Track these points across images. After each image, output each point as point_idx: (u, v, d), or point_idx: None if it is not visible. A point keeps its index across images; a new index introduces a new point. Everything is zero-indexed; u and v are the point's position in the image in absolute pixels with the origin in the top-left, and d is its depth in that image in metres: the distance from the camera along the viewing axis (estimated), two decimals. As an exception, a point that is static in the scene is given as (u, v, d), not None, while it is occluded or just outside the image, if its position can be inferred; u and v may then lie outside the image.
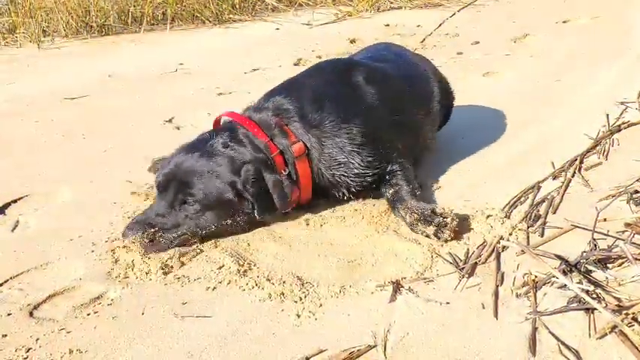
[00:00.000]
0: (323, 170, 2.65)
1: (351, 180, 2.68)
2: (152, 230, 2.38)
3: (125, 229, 2.41)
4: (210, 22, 8.01)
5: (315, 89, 2.77)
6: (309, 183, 2.64)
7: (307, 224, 2.61)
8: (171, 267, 2.30)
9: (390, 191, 2.65)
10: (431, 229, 2.36)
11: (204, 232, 2.46)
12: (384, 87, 2.86)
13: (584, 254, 2.13)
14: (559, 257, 2.13)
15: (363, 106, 2.74)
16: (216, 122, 2.82)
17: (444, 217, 2.37)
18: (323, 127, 2.65)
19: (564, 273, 2.04)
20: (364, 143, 2.67)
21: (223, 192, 2.44)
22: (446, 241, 2.34)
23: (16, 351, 1.85)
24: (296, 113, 2.66)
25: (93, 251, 2.43)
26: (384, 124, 2.79)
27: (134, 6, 7.63)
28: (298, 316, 1.97)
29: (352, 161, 2.64)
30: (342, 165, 2.65)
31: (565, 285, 2.01)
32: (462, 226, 2.45)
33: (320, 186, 2.68)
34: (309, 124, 2.64)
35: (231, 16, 8.19)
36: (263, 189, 2.46)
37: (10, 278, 2.27)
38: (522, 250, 2.24)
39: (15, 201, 2.95)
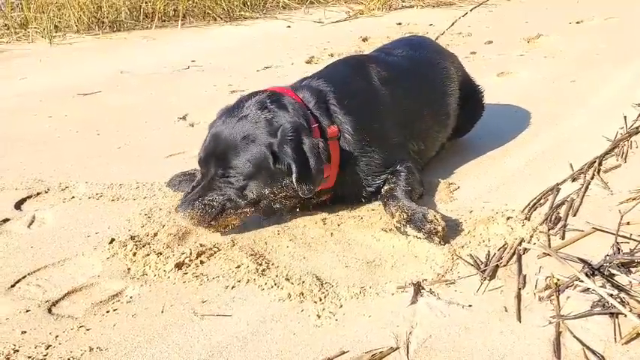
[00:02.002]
0: (352, 158, 2.62)
1: (366, 177, 2.66)
2: (203, 205, 2.38)
3: (177, 206, 2.42)
4: (221, 19, 8.00)
5: (347, 82, 2.77)
6: (337, 168, 2.60)
7: (324, 223, 2.60)
8: (189, 265, 2.28)
9: (386, 187, 2.65)
10: (421, 236, 2.34)
11: (253, 203, 2.45)
12: (395, 87, 2.84)
13: (608, 257, 2.10)
14: (582, 260, 2.11)
15: (382, 105, 2.74)
16: None
17: (434, 225, 2.34)
18: (356, 119, 2.63)
19: (587, 276, 2.02)
20: (383, 142, 2.67)
21: (261, 157, 2.40)
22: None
23: (35, 348, 1.84)
24: (332, 95, 2.64)
25: (110, 248, 2.40)
26: (397, 124, 2.77)
27: (145, 2, 7.62)
28: (319, 316, 1.96)
29: (372, 158, 2.64)
30: (363, 161, 2.63)
31: (588, 289, 1.99)
32: (454, 231, 2.45)
33: (340, 181, 2.64)
34: (344, 109, 2.62)
35: (242, 13, 8.17)
36: (301, 151, 2.40)
37: (28, 274, 2.26)
38: (544, 253, 2.22)
39: (31, 197, 2.94)
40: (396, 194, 2.59)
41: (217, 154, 2.45)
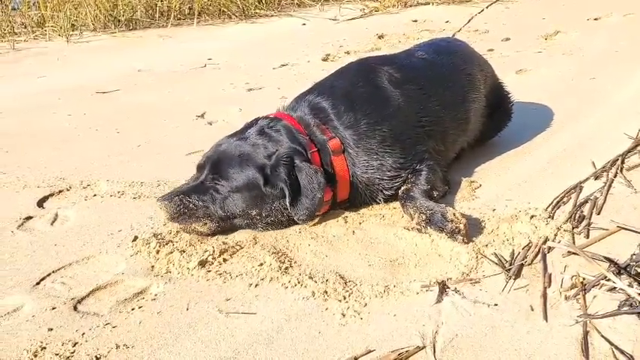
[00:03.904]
0: (359, 169, 2.62)
1: (380, 181, 2.65)
2: (182, 202, 2.42)
3: (160, 196, 2.47)
4: (236, 16, 8.02)
5: (346, 90, 2.76)
6: (347, 179, 2.61)
7: (345, 222, 2.59)
8: (212, 263, 2.29)
9: (403, 187, 2.64)
10: (444, 236, 2.34)
11: (231, 217, 2.48)
12: (409, 88, 2.82)
13: (634, 256, 2.08)
14: (608, 259, 2.09)
15: (390, 109, 2.73)
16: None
17: (456, 224, 2.34)
18: (358, 129, 2.63)
19: (614, 275, 2.00)
20: (395, 144, 2.66)
21: (252, 175, 2.45)
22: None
23: (62, 345, 1.85)
24: (331, 111, 2.66)
25: (134, 246, 2.41)
26: (411, 126, 2.76)
27: (161, 0, 7.65)
28: (343, 315, 1.95)
29: (385, 163, 2.63)
30: (374, 167, 2.63)
31: (614, 288, 1.97)
32: (477, 230, 2.44)
33: (354, 191, 2.65)
34: (345, 123, 2.63)
35: (257, 11, 8.19)
36: (295, 177, 2.44)
37: (52, 272, 2.27)
38: (569, 252, 2.20)
39: (53, 194, 2.96)
40: (413, 194, 2.58)
41: (213, 161, 2.52)
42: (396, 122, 2.71)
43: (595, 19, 6.65)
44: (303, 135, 2.57)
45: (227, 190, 2.46)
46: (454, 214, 2.37)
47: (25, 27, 7.24)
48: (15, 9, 7.42)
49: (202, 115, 4.22)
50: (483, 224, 2.47)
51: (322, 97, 2.71)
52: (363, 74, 2.85)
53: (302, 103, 2.73)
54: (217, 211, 2.46)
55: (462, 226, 2.33)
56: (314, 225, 2.55)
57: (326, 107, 2.67)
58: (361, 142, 2.62)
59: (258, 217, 2.49)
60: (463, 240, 2.31)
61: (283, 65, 5.70)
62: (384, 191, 2.68)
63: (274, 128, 2.57)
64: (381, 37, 6.68)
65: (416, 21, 7.46)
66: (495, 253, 2.24)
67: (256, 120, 2.67)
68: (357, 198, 2.68)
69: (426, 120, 2.81)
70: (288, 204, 2.44)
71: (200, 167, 2.57)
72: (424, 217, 2.43)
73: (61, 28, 7.05)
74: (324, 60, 5.84)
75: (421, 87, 2.86)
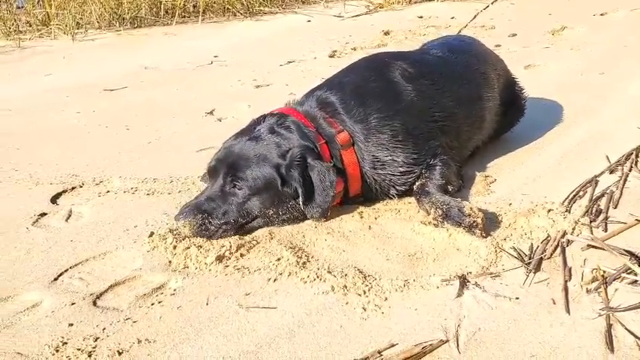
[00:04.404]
0: (369, 164, 2.61)
1: (392, 176, 2.64)
2: (202, 215, 2.40)
3: (178, 213, 2.44)
4: (240, 14, 8.01)
5: (356, 85, 2.74)
6: (358, 173, 2.60)
7: (361, 217, 2.59)
8: (230, 258, 2.28)
9: (418, 183, 2.62)
10: (461, 230, 2.33)
11: (251, 219, 2.47)
12: (422, 84, 2.81)
13: (655, 250, 2.08)
14: (628, 252, 2.08)
15: (402, 103, 2.71)
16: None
17: (473, 218, 2.33)
18: (368, 123, 2.61)
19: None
20: (407, 139, 2.64)
21: (270, 176, 2.44)
22: None
23: (84, 340, 1.85)
24: (340, 105, 2.64)
25: (150, 241, 2.41)
26: (423, 121, 2.74)
27: (166, -2, 7.65)
28: (364, 309, 1.95)
29: (396, 159, 2.61)
30: (386, 162, 2.61)
31: (636, 281, 1.97)
32: (495, 224, 2.44)
33: (365, 186, 2.64)
34: (354, 117, 2.61)
35: (261, 8, 8.18)
36: (308, 176, 2.44)
37: (70, 268, 2.27)
38: (588, 245, 2.19)
39: (66, 191, 2.96)
40: (428, 189, 2.57)
41: (228, 164, 2.49)
42: (408, 117, 2.69)
43: (601, 15, 6.63)
44: (310, 128, 2.55)
45: (247, 194, 2.44)
46: (471, 209, 2.37)
47: (30, 25, 7.23)
48: (20, 7, 7.40)
49: (211, 112, 4.22)
50: (500, 218, 2.47)
51: (330, 92, 2.70)
52: (375, 69, 2.84)
53: (310, 98, 2.72)
54: (239, 218, 2.44)
55: (479, 220, 2.32)
56: (329, 220, 2.54)
57: (334, 101, 2.65)
58: (371, 136, 2.60)
59: (275, 216, 2.49)
60: (481, 234, 2.30)
61: (290, 62, 5.69)
62: (397, 187, 2.67)
63: (283, 125, 2.55)
64: (387, 33, 6.67)
65: (421, 17, 7.44)
66: (514, 247, 2.23)
67: (263, 117, 2.64)
68: (369, 193, 2.67)
69: (440, 115, 2.79)
70: (301, 203, 2.44)
71: (213, 171, 2.53)
72: (441, 211, 2.42)
73: (66, 26, 7.03)
74: (331, 56, 5.83)
75: (434, 82, 2.84)
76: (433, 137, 2.74)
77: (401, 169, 2.64)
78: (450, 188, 2.65)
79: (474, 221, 2.33)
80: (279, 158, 2.45)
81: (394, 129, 2.63)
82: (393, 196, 2.70)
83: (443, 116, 2.81)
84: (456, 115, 2.89)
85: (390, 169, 2.63)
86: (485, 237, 2.30)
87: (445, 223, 2.39)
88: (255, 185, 2.44)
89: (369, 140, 2.60)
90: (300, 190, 2.42)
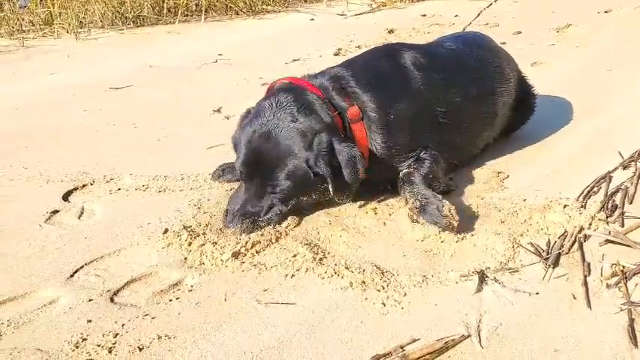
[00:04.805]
0: (377, 138, 2.60)
1: (391, 157, 2.64)
2: (249, 220, 2.42)
3: (225, 221, 2.45)
4: (243, 12, 7.99)
5: (369, 65, 2.78)
6: (367, 148, 2.59)
7: (375, 213, 2.58)
8: (245, 254, 2.27)
9: (405, 171, 2.62)
10: (434, 230, 2.32)
11: (291, 209, 2.51)
12: (432, 75, 2.80)
13: (674, 245, 2.07)
14: (647, 247, 2.08)
15: (410, 88, 2.72)
16: (271, 87, 2.78)
17: (449, 220, 2.31)
18: (376, 94, 2.61)
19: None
20: (404, 125, 2.64)
21: (302, 172, 2.44)
22: None
23: (103, 336, 1.84)
24: (352, 78, 2.64)
25: (165, 238, 2.40)
26: (426, 112, 2.74)
27: (168, -3, 7.64)
28: (384, 304, 1.94)
29: (396, 139, 2.63)
30: (389, 141, 2.62)
31: (655, 276, 1.96)
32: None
33: (370, 162, 2.61)
34: (364, 88, 2.61)
35: (264, 7, 8.17)
36: (336, 162, 2.44)
37: (85, 265, 2.26)
38: (606, 240, 2.19)
39: (77, 188, 2.94)
40: (413, 179, 2.57)
41: (259, 168, 2.48)
42: (412, 103, 2.69)
43: (605, 12, 6.63)
44: (323, 100, 2.53)
45: (285, 192, 2.46)
46: (449, 210, 2.34)
47: (33, 25, 7.21)
48: (23, 7, 7.38)
49: (219, 110, 4.20)
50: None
51: (342, 68, 2.72)
52: (387, 53, 2.87)
53: (323, 73, 2.73)
54: (283, 211, 2.48)
55: (454, 224, 2.31)
56: (344, 216, 2.53)
57: (345, 75, 2.66)
58: (380, 110, 2.60)
59: (309, 199, 2.54)
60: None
61: (295, 60, 5.68)
62: (391, 170, 2.67)
63: (301, 104, 2.49)
64: (391, 31, 6.66)
65: (425, 15, 7.43)
66: (531, 243, 2.23)
67: (277, 93, 2.58)
68: (374, 170, 2.62)
69: (443, 110, 2.78)
70: (331, 190, 2.45)
71: (246, 176, 2.51)
72: (419, 204, 2.41)
73: (69, 25, 7.02)
74: (336, 55, 5.81)
75: (444, 76, 2.84)
76: (431, 130, 2.74)
77: (399, 150, 2.65)
78: (435, 185, 2.62)
79: (450, 224, 2.31)
80: (306, 151, 2.43)
81: (397, 110, 2.64)
82: (389, 180, 2.69)
83: (446, 112, 2.79)
84: (462, 111, 2.87)
85: (392, 149, 2.64)
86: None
87: (420, 217, 2.38)
88: (291, 186, 2.45)
89: (377, 113, 2.60)
90: (329, 180, 2.43)
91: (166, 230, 2.45)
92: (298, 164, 2.43)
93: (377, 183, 2.68)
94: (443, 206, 2.36)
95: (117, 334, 1.85)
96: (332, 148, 2.43)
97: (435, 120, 2.76)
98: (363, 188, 2.61)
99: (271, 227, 2.44)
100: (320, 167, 2.41)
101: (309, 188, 2.49)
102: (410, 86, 2.72)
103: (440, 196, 2.44)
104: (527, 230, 2.33)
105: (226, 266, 2.21)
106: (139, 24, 7.49)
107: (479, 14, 6.81)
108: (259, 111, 2.56)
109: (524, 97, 3.33)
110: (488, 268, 2.10)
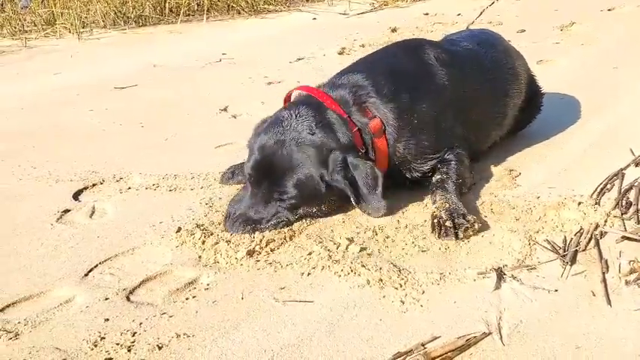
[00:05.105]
0: (400, 146, 2.57)
1: (414, 159, 2.62)
2: (252, 226, 2.40)
3: (227, 224, 2.43)
4: (245, 12, 7.97)
5: (389, 65, 2.73)
6: (386, 161, 2.57)
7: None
8: (260, 252, 2.26)
9: (437, 177, 2.60)
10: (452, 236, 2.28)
11: (296, 220, 2.48)
12: (454, 71, 2.79)
13: (691, 241, 2.07)
14: (665, 244, 2.07)
15: (435, 84, 2.70)
16: (289, 97, 2.76)
17: (469, 233, 2.29)
18: (398, 102, 2.58)
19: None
20: (430, 124, 2.63)
21: (314, 185, 2.41)
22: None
23: (121, 335, 1.83)
24: (372, 89, 2.59)
25: (178, 237, 2.39)
26: (450, 109, 2.72)
27: (170, -4, 7.62)
28: (402, 302, 1.93)
29: (420, 140, 2.60)
30: (413, 144, 2.59)
31: (674, 272, 1.96)
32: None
33: (391, 166, 2.60)
34: (385, 99, 2.57)
35: (265, 6, 8.14)
36: (352, 176, 2.42)
37: (99, 263, 2.25)
38: (622, 237, 2.18)
39: (87, 188, 2.93)
40: (447, 187, 2.54)
41: (269, 176, 2.44)
42: (437, 101, 2.67)
43: (609, 10, 6.62)
44: (343, 116, 2.50)
45: (291, 203, 2.43)
46: (472, 223, 2.31)
47: (35, 25, 7.19)
48: (25, 7, 7.35)
49: (225, 109, 4.19)
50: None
51: (362, 75, 2.64)
52: (410, 49, 2.83)
53: (342, 81, 2.65)
54: (285, 221, 2.45)
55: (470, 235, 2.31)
56: (356, 214, 2.52)
57: (366, 85, 2.60)
58: (401, 119, 2.56)
59: (318, 212, 2.51)
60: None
61: (299, 59, 5.66)
62: (415, 171, 2.65)
63: (319, 119, 2.47)
64: (394, 30, 6.64)
65: (427, 14, 7.42)
66: (548, 240, 2.22)
67: (295, 105, 2.55)
68: (391, 171, 2.60)
69: (464, 106, 2.78)
70: (354, 203, 2.43)
71: (254, 180, 2.47)
72: (450, 224, 2.31)
73: (71, 25, 6.99)
74: (340, 53, 5.80)
75: (465, 74, 2.83)
76: (455, 127, 2.73)
77: (423, 152, 2.62)
78: (464, 189, 2.63)
79: (466, 235, 2.29)
80: (320, 166, 2.40)
81: (423, 110, 2.61)
82: (409, 183, 2.67)
83: (467, 108, 2.80)
84: (478, 109, 2.88)
85: (414, 151, 2.61)
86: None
87: (447, 221, 2.32)
88: (299, 196, 2.42)
89: (397, 123, 2.56)
90: (349, 193, 2.41)
91: (179, 229, 2.44)
92: (309, 175, 2.40)
93: (399, 184, 2.66)
94: (468, 217, 2.33)
95: (135, 333, 1.84)
96: (346, 164, 2.41)
97: (458, 115, 2.75)
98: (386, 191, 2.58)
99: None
100: (337, 181, 2.39)
101: (318, 200, 2.46)
102: (434, 84, 2.70)
103: (468, 215, 2.35)
104: (543, 227, 2.32)
105: (241, 264, 2.20)
106: (140, 24, 7.47)
107: (481, 13, 6.81)
108: (277, 120, 2.52)
109: (532, 97, 3.33)
110: (506, 265, 2.09)
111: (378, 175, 2.43)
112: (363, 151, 2.51)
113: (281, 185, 2.41)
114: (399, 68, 2.72)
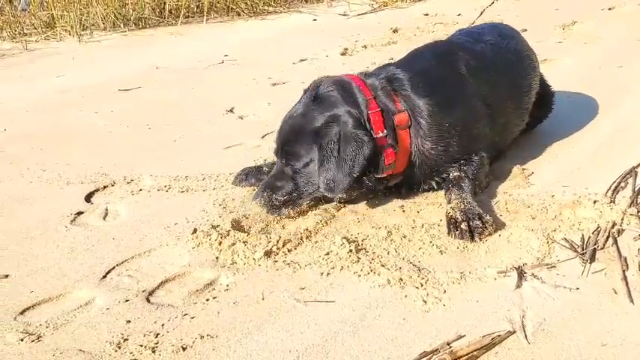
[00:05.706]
0: (427, 145, 2.55)
1: (441, 163, 2.60)
2: (268, 193, 2.51)
3: (255, 193, 2.59)
4: (245, 13, 7.97)
5: (425, 69, 2.72)
6: (406, 155, 2.54)
7: (403, 211, 2.58)
8: (277, 253, 2.26)
9: (454, 174, 2.60)
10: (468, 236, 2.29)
11: (309, 192, 2.52)
12: (484, 77, 2.80)
13: None
14: (683, 241, 2.08)
15: (464, 94, 2.70)
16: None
17: (485, 234, 2.30)
18: (434, 100, 2.56)
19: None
20: (464, 131, 2.62)
21: (311, 149, 2.45)
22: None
23: (144, 336, 1.82)
24: (408, 83, 2.58)
25: (194, 238, 2.38)
26: (479, 113, 2.72)
27: (170, -2, 7.60)
28: (425, 302, 1.93)
29: (449, 145, 2.58)
30: (440, 148, 2.57)
31: (693, 269, 1.96)
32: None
33: (410, 168, 2.58)
34: (421, 94, 2.56)
35: (265, 7, 8.14)
36: (334, 142, 2.41)
37: (117, 265, 2.24)
38: (640, 235, 2.19)
39: (98, 190, 2.92)
40: (464, 185, 2.54)
41: (281, 142, 2.56)
42: (467, 110, 2.67)
43: (610, 9, 6.65)
44: (364, 94, 2.49)
45: (297, 168, 2.49)
46: (489, 224, 2.32)
47: (35, 27, 7.16)
48: (24, 10, 7.32)
49: (231, 110, 4.18)
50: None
51: (399, 70, 2.64)
52: (443, 57, 2.82)
53: (380, 72, 2.67)
54: (296, 192, 2.51)
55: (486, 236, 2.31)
56: (372, 214, 2.52)
57: (402, 78, 2.60)
58: (432, 118, 2.54)
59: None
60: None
61: (302, 60, 5.66)
62: (439, 175, 2.64)
63: (334, 91, 2.50)
64: (395, 30, 6.64)
65: (427, 14, 7.43)
66: (565, 238, 2.22)
67: (320, 82, 2.60)
68: (411, 177, 2.61)
69: (491, 111, 2.76)
70: (317, 169, 2.45)
71: (275, 152, 2.61)
72: (465, 226, 2.31)
73: (71, 27, 6.97)
74: (343, 54, 5.80)
75: (492, 77, 2.83)
76: (481, 133, 2.72)
77: (451, 157, 2.61)
78: (478, 190, 2.63)
79: (481, 237, 2.29)
80: (320, 127, 2.45)
81: (453, 118, 2.59)
82: (432, 185, 2.67)
83: (494, 112, 2.78)
84: (506, 109, 2.89)
85: (442, 155, 2.59)
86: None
87: (462, 223, 2.32)
88: (304, 160, 2.48)
89: (428, 121, 2.54)
90: (316, 158, 2.44)
91: (195, 230, 2.43)
92: (308, 142, 2.46)
93: (421, 183, 2.66)
94: (484, 217, 2.33)
95: (158, 334, 1.83)
96: (338, 127, 2.42)
97: (485, 121, 2.74)
98: (401, 190, 2.66)
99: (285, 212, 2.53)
100: (331, 149, 2.39)
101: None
102: (465, 94, 2.71)
103: (484, 216, 2.35)
104: (559, 226, 2.33)
105: (259, 265, 2.19)
106: (140, 26, 7.45)
107: (482, 13, 6.82)
108: (303, 98, 2.61)
109: (543, 94, 3.32)
110: (525, 264, 2.09)
111: (367, 152, 2.38)
112: (383, 135, 2.46)
113: (286, 149, 2.52)
114: (434, 74, 2.69)
